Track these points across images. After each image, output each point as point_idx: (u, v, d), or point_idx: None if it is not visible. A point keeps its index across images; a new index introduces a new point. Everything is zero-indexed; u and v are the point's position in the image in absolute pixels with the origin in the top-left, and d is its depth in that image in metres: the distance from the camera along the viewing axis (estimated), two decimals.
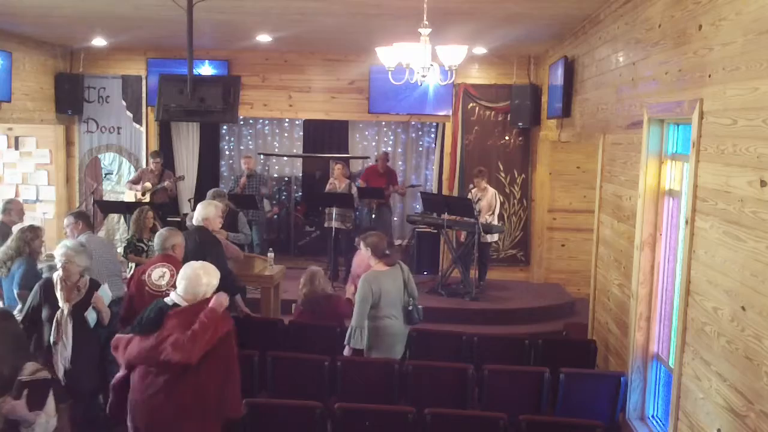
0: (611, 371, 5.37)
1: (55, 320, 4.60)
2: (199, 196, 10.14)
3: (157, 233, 5.43)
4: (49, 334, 4.63)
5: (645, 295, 4.87)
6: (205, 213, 5.74)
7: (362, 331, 5.22)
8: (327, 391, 4.89)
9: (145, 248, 6.79)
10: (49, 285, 4.74)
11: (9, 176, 10.10)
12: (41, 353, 4.65)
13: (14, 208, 6.58)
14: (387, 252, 5.52)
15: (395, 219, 11.39)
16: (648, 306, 4.87)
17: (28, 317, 4.73)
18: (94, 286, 4.81)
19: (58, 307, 4.67)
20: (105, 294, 4.82)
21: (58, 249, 4.75)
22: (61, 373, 4.56)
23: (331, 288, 5.96)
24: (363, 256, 5.87)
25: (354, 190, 9.32)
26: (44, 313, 4.70)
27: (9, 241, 5.74)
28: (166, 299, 3.83)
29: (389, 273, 5.35)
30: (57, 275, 4.71)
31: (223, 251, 5.93)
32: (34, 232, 5.74)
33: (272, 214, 10.01)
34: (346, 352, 5.31)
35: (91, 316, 4.68)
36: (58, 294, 4.64)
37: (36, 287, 4.83)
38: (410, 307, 5.37)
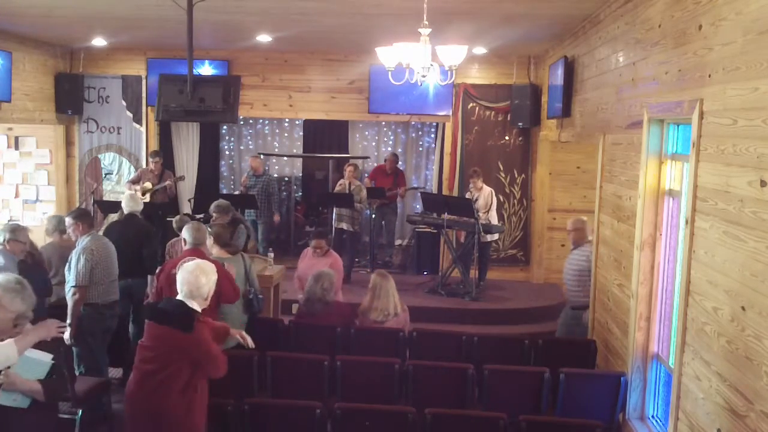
0: (611, 371, 5.36)
1: None
2: (199, 196, 10.16)
3: (188, 227, 5.49)
4: None
5: (645, 295, 4.87)
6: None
7: None
8: (327, 391, 4.89)
9: None
10: None
11: (9, 176, 10.11)
12: None
13: None
14: (229, 242, 5.82)
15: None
16: (648, 306, 4.87)
17: None
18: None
19: None
20: (27, 366, 3.36)
21: None
22: None
23: (333, 294, 5.91)
24: (309, 258, 6.56)
25: (363, 192, 9.31)
26: None
27: None
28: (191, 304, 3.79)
29: (232, 261, 5.51)
30: None
31: (156, 234, 6.86)
32: None
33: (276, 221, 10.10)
34: None
35: (5, 398, 3.30)
36: None
37: None
38: (251, 296, 5.57)
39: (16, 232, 5.53)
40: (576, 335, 6.30)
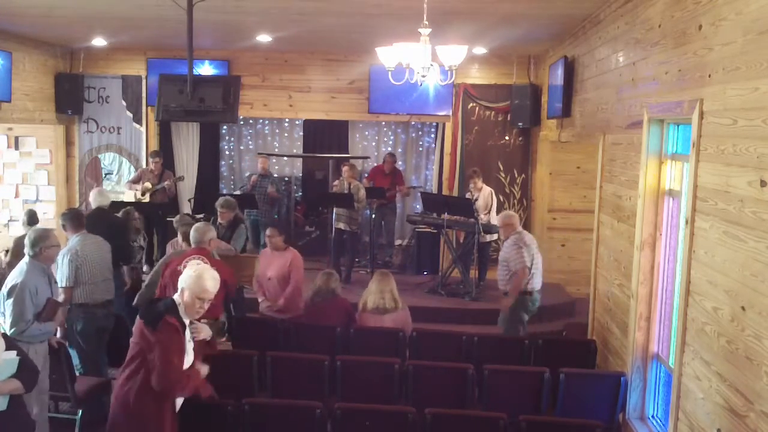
0: (611, 371, 5.37)
1: None
2: (199, 196, 10.16)
3: (194, 227, 5.52)
4: None
5: (645, 295, 4.87)
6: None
7: None
8: (327, 391, 4.89)
9: None
10: None
11: (9, 176, 10.10)
12: None
13: None
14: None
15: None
16: (648, 306, 4.87)
17: None
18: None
19: None
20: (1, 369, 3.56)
21: None
22: None
23: (340, 290, 6.10)
24: (269, 256, 6.56)
25: (362, 192, 9.32)
26: None
27: None
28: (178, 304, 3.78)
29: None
30: None
31: (128, 227, 7.05)
32: None
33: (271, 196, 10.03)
34: None
35: None
36: None
37: None
38: None
39: (45, 239, 4.93)
40: (520, 321, 6.42)
